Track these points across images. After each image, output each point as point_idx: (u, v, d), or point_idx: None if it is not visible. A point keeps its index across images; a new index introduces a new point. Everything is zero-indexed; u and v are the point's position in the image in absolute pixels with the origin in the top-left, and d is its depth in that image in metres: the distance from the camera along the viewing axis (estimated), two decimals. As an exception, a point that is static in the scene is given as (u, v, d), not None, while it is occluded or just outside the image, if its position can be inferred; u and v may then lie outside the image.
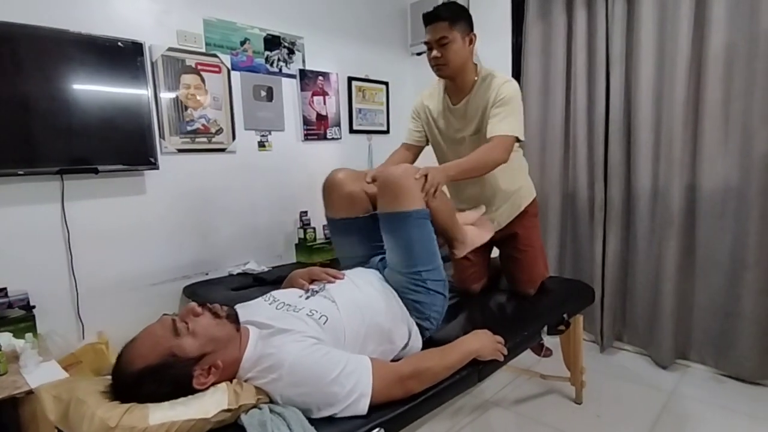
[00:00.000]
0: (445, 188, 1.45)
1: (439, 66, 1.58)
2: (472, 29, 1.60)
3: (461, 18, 1.56)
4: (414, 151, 1.84)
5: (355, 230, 1.43)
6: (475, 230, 1.59)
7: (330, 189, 1.43)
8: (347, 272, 1.38)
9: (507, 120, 1.52)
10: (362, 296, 1.24)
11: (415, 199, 1.25)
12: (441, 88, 1.73)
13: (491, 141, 1.51)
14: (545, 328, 1.59)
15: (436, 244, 1.33)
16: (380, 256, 1.42)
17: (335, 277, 1.31)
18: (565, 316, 1.67)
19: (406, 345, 1.26)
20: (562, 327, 1.68)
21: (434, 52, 1.56)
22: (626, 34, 2.20)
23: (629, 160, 2.26)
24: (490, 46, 2.73)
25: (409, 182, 1.24)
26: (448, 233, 1.49)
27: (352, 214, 1.42)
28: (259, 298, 1.24)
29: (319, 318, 1.10)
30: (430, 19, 1.55)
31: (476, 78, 1.62)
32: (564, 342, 1.95)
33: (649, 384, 2.07)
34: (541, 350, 2.36)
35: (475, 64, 1.64)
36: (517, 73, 2.64)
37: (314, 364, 0.97)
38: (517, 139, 1.55)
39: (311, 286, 1.28)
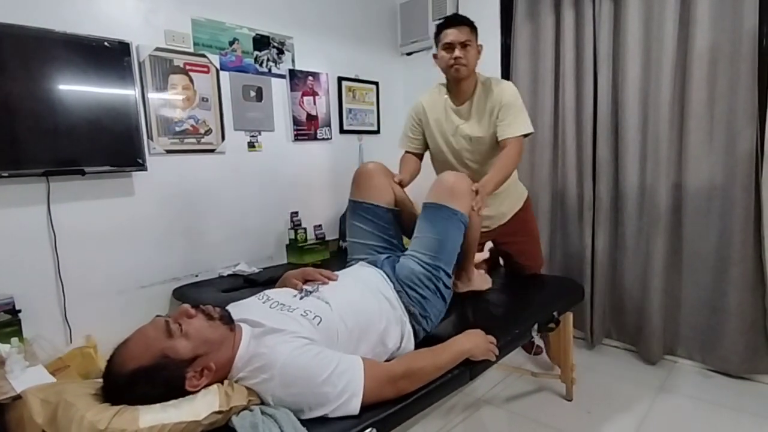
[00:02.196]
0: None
1: (459, 65, 1.66)
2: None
3: (476, 29, 1.72)
4: (418, 159, 1.91)
5: (373, 217, 1.50)
6: (480, 276, 1.67)
7: (360, 175, 1.53)
8: (342, 273, 1.39)
9: (515, 122, 1.67)
10: (356, 298, 1.24)
11: (465, 204, 1.37)
12: (442, 92, 1.80)
13: (506, 146, 1.65)
14: (536, 326, 1.60)
15: (457, 255, 1.42)
16: (387, 255, 1.46)
17: (329, 278, 1.31)
18: (555, 313, 1.69)
19: (399, 347, 1.27)
20: (552, 325, 1.69)
21: (456, 52, 1.65)
22: (613, 34, 2.23)
23: (617, 159, 2.29)
24: (480, 46, 2.75)
25: (466, 187, 1.38)
26: (464, 259, 1.55)
27: (375, 201, 1.50)
28: (253, 297, 1.24)
29: (313, 318, 1.10)
30: (456, 21, 1.68)
31: (478, 80, 1.75)
32: (554, 339, 1.97)
33: (638, 380, 2.10)
34: (532, 348, 2.37)
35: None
36: (506, 73, 2.66)
37: (306, 365, 0.97)
38: (525, 134, 1.69)
39: (305, 287, 1.28)
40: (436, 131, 1.81)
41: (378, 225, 1.50)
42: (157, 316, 1.02)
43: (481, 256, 1.74)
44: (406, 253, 1.44)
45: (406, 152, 1.91)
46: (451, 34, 1.66)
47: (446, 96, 1.78)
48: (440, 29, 1.70)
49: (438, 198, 1.38)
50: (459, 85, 1.72)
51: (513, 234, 1.92)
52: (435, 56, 1.75)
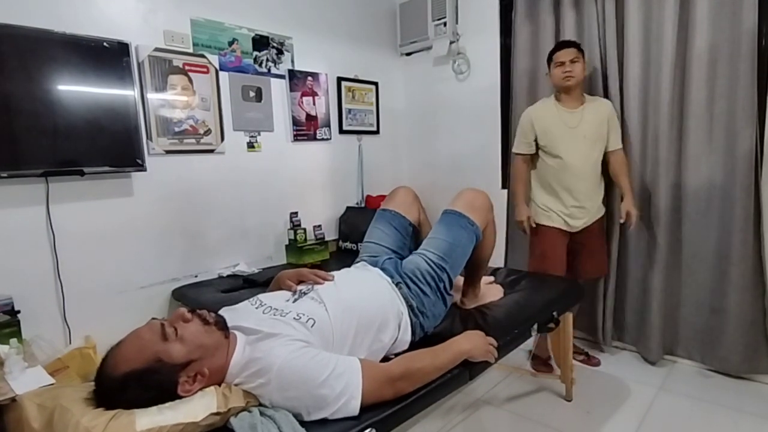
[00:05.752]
0: (540, 195, 2.17)
1: (568, 76, 2.03)
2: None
3: (583, 50, 2.08)
4: (530, 160, 2.24)
5: (397, 225, 1.61)
6: (488, 289, 1.73)
7: (396, 191, 1.69)
8: (338, 273, 1.39)
9: (619, 135, 2.13)
10: (352, 296, 1.24)
11: (482, 218, 1.48)
12: (551, 101, 2.15)
13: (618, 152, 2.12)
14: (535, 326, 1.60)
15: (462, 267, 1.50)
16: (388, 257, 1.51)
17: (324, 279, 1.31)
18: (554, 313, 1.69)
19: (396, 339, 1.28)
20: (551, 325, 1.69)
21: (567, 67, 2.02)
22: (613, 35, 2.22)
23: (617, 159, 2.29)
24: (480, 45, 2.75)
25: (484, 203, 1.51)
26: (473, 275, 1.61)
27: (402, 213, 1.63)
28: (246, 302, 1.23)
29: (307, 321, 1.10)
30: (567, 44, 2.07)
31: (584, 95, 2.12)
32: (554, 340, 1.97)
33: (638, 380, 2.10)
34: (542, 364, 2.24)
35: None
36: (506, 73, 2.66)
37: (303, 368, 0.96)
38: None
39: (299, 287, 1.27)
40: (548, 130, 2.11)
41: (398, 233, 1.60)
42: (153, 318, 1.01)
43: (487, 280, 1.78)
44: (416, 251, 1.49)
45: (521, 156, 2.22)
46: (562, 55, 2.03)
47: (556, 104, 2.12)
48: (553, 52, 2.08)
49: (458, 207, 1.49)
50: (570, 94, 2.08)
51: (589, 236, 2.15)
52: (548, 74, 2.13)
